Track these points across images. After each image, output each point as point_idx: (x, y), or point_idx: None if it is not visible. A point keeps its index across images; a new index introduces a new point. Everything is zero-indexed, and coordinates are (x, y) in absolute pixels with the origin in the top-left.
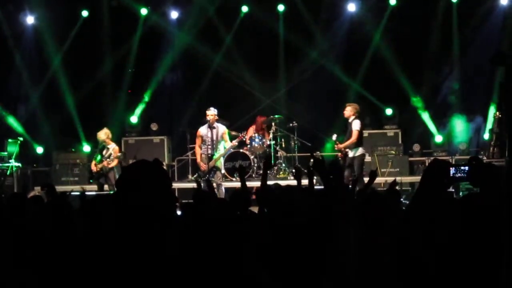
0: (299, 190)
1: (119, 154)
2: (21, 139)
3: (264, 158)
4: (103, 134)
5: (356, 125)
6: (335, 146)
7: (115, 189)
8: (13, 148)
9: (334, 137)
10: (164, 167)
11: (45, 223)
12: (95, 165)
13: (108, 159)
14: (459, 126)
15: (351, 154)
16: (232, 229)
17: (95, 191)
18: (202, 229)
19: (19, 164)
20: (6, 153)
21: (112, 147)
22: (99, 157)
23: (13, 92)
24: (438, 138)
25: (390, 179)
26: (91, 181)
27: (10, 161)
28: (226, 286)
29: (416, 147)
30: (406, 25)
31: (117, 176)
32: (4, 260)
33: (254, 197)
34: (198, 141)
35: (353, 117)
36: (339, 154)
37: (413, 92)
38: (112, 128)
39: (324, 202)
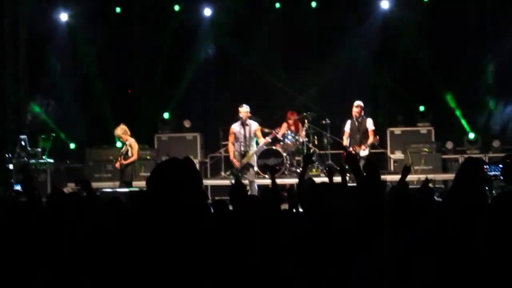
0: (334, 188)
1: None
2: (53, 135)
3: (306, 153)
4: (119, 130)
5: (371, 124)
6: (354, 147)
7: (125, 185)
8: (46, 144)
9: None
10: (196, 165)
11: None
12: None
13: (125, 155)
14: (496, 112)
15: (364, 153)
16: (264, 226)
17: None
18: (235, 226)
19: (52, 160)
20: (39, 149)
21: (129, 143)
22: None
23: (46, 88)
24: (471, 135)
25: (423, 176)
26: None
27: (43, 157)
28: (257, 282)
29: (449, 145)
30: (440, 21)
31: (130, 173)
32: (41, 256)
33: (285, 194)
34: (231, 138)
35: (362, 116)
36: (351, 149)
37: (446, 89)
38: (145, 124)
39: (359, 201)
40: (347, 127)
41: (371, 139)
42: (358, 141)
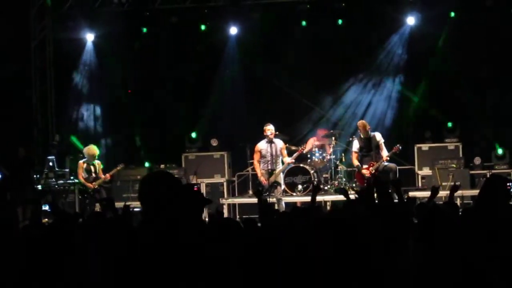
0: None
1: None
2: (81, 156)
3: (316, 183)
4: (96, 149)
5: (381, 137)
6: (371, 164)
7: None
8: (73, 165)
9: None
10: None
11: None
12: (91, 182)
13: (103, 175)
14: None
15: (389, 164)
16: (293, 243)
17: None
18: (264, 243)
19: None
20: (67, 170)
21: (97, 162)
22: (87, 174)
23: (73, 109)
24: (499, 151)
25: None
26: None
27: (71, 178)
28: None
29: (477, 160)
30: (467, 35)
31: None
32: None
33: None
34: (256, 156)
35: (369, 132)
36: (368, 172)
37: (473, 104)
38: (172, 144)
39: (386, 218)
40: (355, 147)
41: (386, 152)
42: (374, 157)
